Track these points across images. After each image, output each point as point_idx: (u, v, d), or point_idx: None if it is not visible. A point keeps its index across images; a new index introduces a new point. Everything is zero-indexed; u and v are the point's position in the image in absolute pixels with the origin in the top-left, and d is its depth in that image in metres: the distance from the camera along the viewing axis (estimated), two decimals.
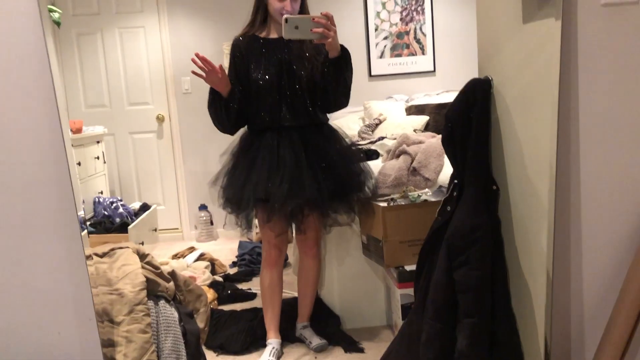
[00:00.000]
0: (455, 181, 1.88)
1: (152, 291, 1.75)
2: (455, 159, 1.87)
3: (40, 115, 1.31)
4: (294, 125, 2.23)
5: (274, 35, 2.27)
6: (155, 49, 4.56)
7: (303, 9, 2.24)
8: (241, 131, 2.39)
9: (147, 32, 4.55)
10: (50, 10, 2.46)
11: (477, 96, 1.83)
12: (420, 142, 2.80)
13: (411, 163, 2.65)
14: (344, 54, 2.13)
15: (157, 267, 1.90)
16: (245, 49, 2.24)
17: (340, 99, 2.26)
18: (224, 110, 2.19)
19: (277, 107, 2.22)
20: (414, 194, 2.43)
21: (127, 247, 1.83)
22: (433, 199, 2.34)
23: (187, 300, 2.09)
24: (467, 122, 1.82)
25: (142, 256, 1.85)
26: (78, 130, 3.50)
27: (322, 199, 2.17)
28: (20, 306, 1.31)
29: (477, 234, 1.74)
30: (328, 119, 2.39)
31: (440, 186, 2.47)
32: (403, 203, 2.34)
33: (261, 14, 2.26)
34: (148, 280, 1.72)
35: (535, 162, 1.60)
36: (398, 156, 2.77)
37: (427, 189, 2.53)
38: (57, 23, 2.47)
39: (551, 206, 1.49)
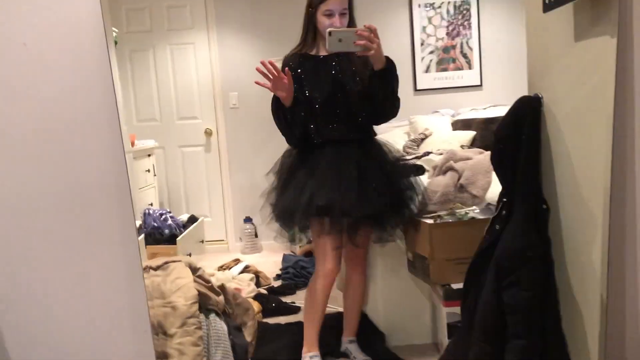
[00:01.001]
0: (505, 199, 1.86)
1: (204, 304, 1.79)
2: (505, 178, 1.85)
3: (104, 129, 1.37)
4: (348, 139, 2.26)
5: (323, 52, 2.30)
6: (204, 65, 4.68)
7: (351, 26, 2.25)
8: (284, 148, 2.41)
9: (196, 48, 4.67)
10: None
11: (527, 114, 1.81)
12: (468, 159, 2.78)
13: (458, 180, 2.62)
14: (389, 64, 2.15)
15: (208, 281, 1.95)
16: (296, 67, 2.27)
17: (389, 110, 2.28)
18: (288, 119, 2.20)
19: (331, 122, 2.26)
20: (461, 211, 2.41)
21: (180, 261, 1.88)
22: (481, 217, 2.32)
23: (235, 313, 2.12)
24: (517, 141, 1.80)
25: (194, 270, 1.90)
26: (131, 144, 3.61)
27: (384, 213, 2.20)
28: (79, 318, 1.36)
29: (528, 254, 1.71)
30: (376, 134, 2.41)
31: (489, 204, 2.44)
32: (450, 220, 2.32)
33: (311, 32, 2.28)
34: (200, 293, 1.76)
35: (587, 181, 1.57)
36: (445, 172, 2.75)
37: (474, 207, 2.51)
38: (114, 42, 2.58)
39: (605, 227, 1.45)
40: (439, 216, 2.38)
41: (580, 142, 1.61)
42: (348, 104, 2.25)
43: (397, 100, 2.27)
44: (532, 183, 1.80)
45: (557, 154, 1.77)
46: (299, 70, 2.27)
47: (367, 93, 2.21)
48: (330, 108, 2.25)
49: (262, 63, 2.02)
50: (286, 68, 2.12)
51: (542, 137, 1.83)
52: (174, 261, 1.88)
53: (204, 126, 4.75)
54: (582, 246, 1.63)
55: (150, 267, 1.81)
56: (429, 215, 2.43)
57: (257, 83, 2.07)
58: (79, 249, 1.33)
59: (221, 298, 1.96)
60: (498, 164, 1.86)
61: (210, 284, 1.94)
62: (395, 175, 2.33)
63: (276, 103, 2.20)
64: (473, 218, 2.31)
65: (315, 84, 2.26)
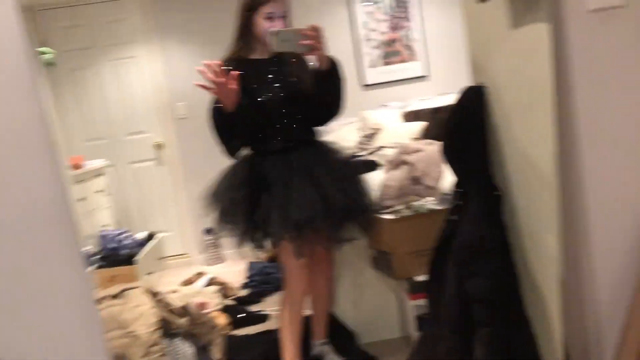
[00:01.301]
0: (459, 189, 1.88)
1: (167, 329, 1.75)
2: (457, 168, 1.87)
3: (36, 156, 1.29)
4: (297, 144, 2.21)
5: (263, 55, 2.23)
6: (148, 78, 4.58)
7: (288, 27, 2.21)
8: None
9: (139, 61, 4.57)
10: (43, 53, 2.49)
11: (474, 104, 1.83)
12: (419, 150, 2.80)
13: (412, 172, 2.65)
14: (334, 64, 2.12)
15: (169, 304, 1.90)
16: (237, 70, 2.16)
17: (334, 110, 2.25)
18: (229, 125, 2.09)
19: (276, 128, 2.20)
20: (418, 203, 2.42)
21: (139, 287, 1.82)
22: (438, 207, 2.34)
23: (201, 332, 2.09)
24: (466, 131, 1.83)
25: (154, 294, 1.85)
26: (79, 166, 3.51)
27: (342, 216, 2.15)
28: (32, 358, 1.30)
29: (485, 243, 1.74)
30: (322, 135, 2.38)
31: (444, 194, 2.47)
32: (409, 214, 2.34)
33: (248, 35, 2.20)
34: (161, 318, 1.72)
35: (537, 165, 1.60)
36: (398, 166, 2.77)
37: (430, 197, 2.53)
38: (50, 63, 2.49)
39: (558, 208, 1.48)
40: (397, 210, 2.39)
41: (527, 127, 1.64)
42: (294, 107, 2.20)
43: (342, 99, 2.22)
44: (484, 172, 1.83)
45: (505, 141, 1.80)
46: (242, 75, 2.16)
47: (312, 95, 2.17)
48: (276, 112, 2.19)
49: (207, 65, 1.90)
50: (233, 71, 1.97)
51: (490, 125, 1.86)
52: (132, 287, 1.82)
53: (153, 140, 4.66)
54: (537, 228, 1.66)
55: (108, 296, 1.75)
56: (387, 211, 2.44)
57: (198, 85, 1.94)
58: (23, 287, 1.26)
59: (185, 320, 1.92)
60: (449, 156, 1.88)
61: (172, 307, 1.89)
62: (347, 175, 2.29)
63: (216, 109, 2.08)
64: (431, 209, 2.33)
65: (258, 88, 2.18)
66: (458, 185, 1.89)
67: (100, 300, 1.53)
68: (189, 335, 1.96)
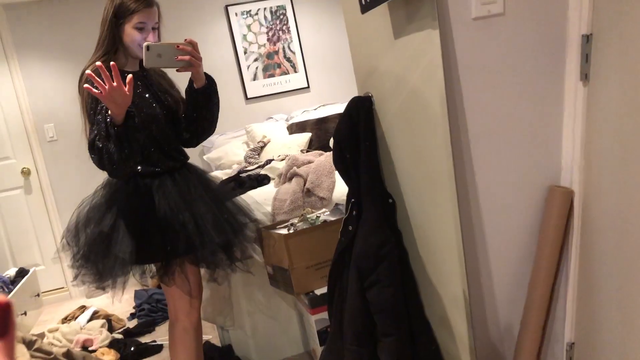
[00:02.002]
0: (353, 200, 1.87)
1: None
2: (349, 178, 1.86)
3: None
4: (170, 168, 2.00)
5: (132, 68, 1.99)
6: (9, 98, 4.18)
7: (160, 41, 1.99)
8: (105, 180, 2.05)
9: None
10: None
11: (361, 113, 1.84)
12: (310, 162, 2.79)
13: (304, 184, 2.62)
14: (210, 82, 1.98)
15: (49, 353, 1.69)
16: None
17: (207, 129, 2.08)
18: (128, 139, 1.72)
19: (148, 148, 1.96)
20: (312, 215, 2.40)
21: None
22: (332, 218, 2.33)
23: None
24: (355, 141, 1.83)
25: (30, 343, 1.64)
26: None
27: (209, 251, 1.97)
28: None
29: (383, 251, 1.74)
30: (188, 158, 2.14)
31: (337, 204, 2.47)
32: (303, 227, 2.30)
33: (114, 45, 1.94)
34: None
35: (427, 169, 1.62)
36: (290, 179, 2.73)
37: (324, 209, 2.52)
38: None
39: (454, 207, 1.51)
40: (291, 224, 2.35)
41: (413, 133, 1.67)
42: (160, 126, 1.98)
43: (216, 118, 2.07)
44: (375, 180, 1.84)
45: (394, 148, 1.82)
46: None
47: (185, 113, 2.03)
48: (140, 133, 1.81)
49: (100, 67, 1.59)
50: (130, 75, 1.66)
51: (378, 134, 1.87)
52: None
53: (19, 166, 4.25)
54: (431, 231, 1.69)
55: None
56: (281, 226, 2.39)
57: (86, 88, 1.64)
58: None
59: None
60: (341, 165, 1.87)
61: (52, 356, 1.69)
62: (221, 198, 2.14)
63: (108, 125, 1.70)
64: (325, 221, 2.31)
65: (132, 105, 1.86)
66: (351, 195, 1.88)
67: None
68: None
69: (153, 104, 1.97)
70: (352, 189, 1.87)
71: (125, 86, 1.63)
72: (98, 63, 1.62)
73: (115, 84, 1.60)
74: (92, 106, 1.83)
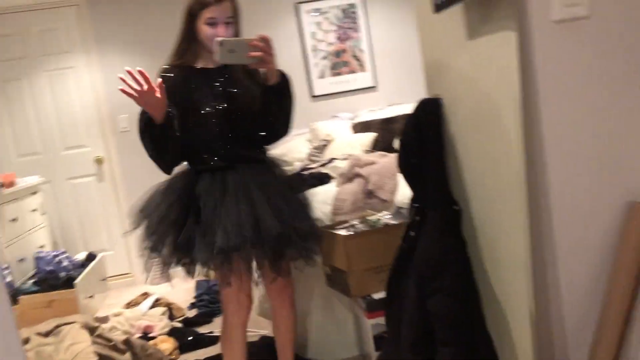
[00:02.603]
0: (416, 205, 1.82)
1: None
2: (414, 183, 1.81)
3: None
4: (242, 162, 2.03)
5: (209, 65, 2.04)
6: (87, 89, 4.37)
7: (237, 37, 2.01)
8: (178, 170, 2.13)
9: (76, 72, 4.35)
10: None
11: (429, 116, 1.78)
12: (373, 163, 2.75)
13: (366, 186, 2.59)
14: (285, 79, 1.95)
15: (109, 340, 1.75)
16: (182, 81, 2.01)
17: (282, 129, 2.07)
18: (163, 138, 1.91)
19: (217, 144, 2.01)
20: (373, 217, 2.36)
21: (74, 322, 1.66)
22: (394, 222, 2.28)
23: None
24: (422, 144, 1.77)
25: (92, 330, 1.69)
26: (10, 184, 3.27)
27: (288, 240, 1.97)
28: None
29: (446, 259, 1.68)
30: (270, 152, 2.19)
31: (399, 207, 2.41)
32: (364, 229, 2.27)
33: (190, 42, 2.01)
34: (101, 357, 1.56)
35: (497, 177, 1.55)
36: (351, 179, 2.70)
37: (385, 211, 2.47)
38: None
39: (525, 219, 1.43)
40: (352, 226, 2.32)
41: (484, 138, 1.60)
42: (239, 122, 2.02)
43: (291, 118, 2.06)
44: (441, 185, 1.78)
45: (463, 153, 1.76)
46: (186, 85, 2.00)
47: (259, 110, 1.99)
48: (219, 127, 2.00)
49: (129, 72, 1.74)
50: (159, 80, 1.81)
51: (446, 138, 1.81)
52: (67, 323, 1.65)
53: (93, 154, 4.44)
54: (498, 242, 1.61)
55: (39, 334, 1.58)
56: (341, 227, 2.36)
57: (121, 91, 1.75)
58: None
59: (127, 356, 1.77)
60: (405, 169, 1.82)
61: (112, 343, 1.74)
62: (293, 194, 2.13)
63: (145, 121, 1.89)
64: (387, 224, 2.27)
65: (201, 100, 2.00)
66: (415, 199, 1.83)
67: (28, 339, 1.37)
68: None
69: (216, 102, 1.99)
70: (416, 193, 1.82)
71: (156, 91, 1.75)
72: (127, 68, 1.76)
73: (146, 88, 1.73)
74: None
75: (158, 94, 1.77)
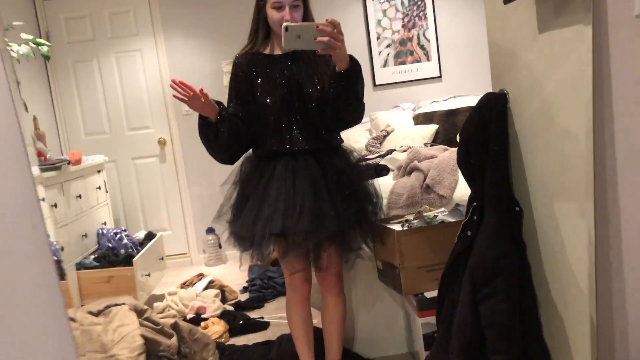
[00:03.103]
0: (475, 204, 1.75)
1: (153, 351, 1.61)
2: (473, 181, 1.73)
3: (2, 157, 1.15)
4: (307, 150, 2.02)
5: (278, 51, 2.06)
6: (153, 72, 4.46)
7: (307, 20, 2.01)
8: (243, 157, 2.20)
9: (143, 55, 4.45)
10: (39, 44, 2.38)
11: (493, 112, 1.69)
12: (432, 157, 2.67)
13: (424, 180, 2.51)
14: (354, 64, 1.89)
15: (157, 323, 1.77)
16: (248, 68, 2.05)
17: (353, 115, 2.02)
18: (215, 137, 2.02)
19: (287, 130, 2.03)
20: (429, 214, 2.29)
21: (124, 304, 1.69)
22: (451, 219, 2.20)
23: (193, 351, 1.95)
24: (484, 141, 1.69)
25: (140, 312, 1.72)
26: (77, 162, 3.39)
27: (345, 232, 1.99)
28: None
29: (502, 263, 1.60)
30: (342, 140, 2.17)
31: (457, 204, 2.33)
32: (419, 225, 2.20)
33: (262, 29, 2.04)
34: (147, 340, 1.58)
35: (563, 180, 1.46)
36: (410, 173, 2.64)
37: (442, 208, 2.40)
38: (46, 57, 2.37)
39: (590, 223, 1.34)
40: (406, 221, 2.26)
41: (552, 137, 1.50)
42: (306, 109, 2.02)
43: (362, 104, 2.00)
44: (502, 185, 1.69)
45: (527, 152, 1.66)
46: (252, 72, 2.04)
47: (328, 97, 1.96)
48: (284, 114, 2.02)
49: (172, 82, 1.88)
50: (201, 87, 1.91)
51: (510, 135, 1.72)
52: (116, 304, 1.69)
53: (157, 136, 4.54)
54: (559, 248, 1.52)
55: (91, 313, 1.62)
56: (395, 221, 2.31)
57: (174, 97, 1.92)
58: None
59: (174, 340, 1.79)
60: (465, 166, 1.74)
61: (160, 327, 1.76)
62: (360, 186, 2.11)
63: (201, 122, 2.02)
64: (443, 222, 2.19)
65: (268, 87, 2.02)
66: (474, 198, 1.75)
67: (81, 317, 1.40)
68: (180, 355, 1.83)
69: (282, 90, 2.01)
70: (475, 192, 1.74)
71: (201, 97, 1.87)
72: (172, 79, 1.88)
73: (191, 94, 1.87)
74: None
75: (202, 100, 1.89)
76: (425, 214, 2.30)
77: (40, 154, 3.16)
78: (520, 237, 1.72)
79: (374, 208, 2.14)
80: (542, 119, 1.55)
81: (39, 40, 2.38)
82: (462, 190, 2.45)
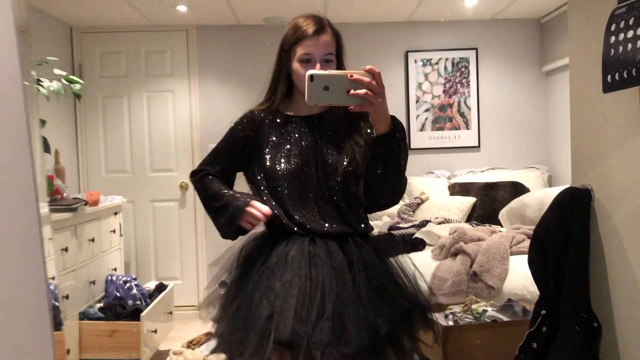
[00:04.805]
0: (544, 312, 1.52)
1: None
2: (546, 286, 1.51)
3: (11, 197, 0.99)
4: (327, 233, 1.56)
5: (300, 112, 1.65)
6: (182, 114, 4.33)
7: None
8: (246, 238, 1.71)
9: (175, 96, 4.33)
10: (71, 81, 2.24)
11: (575, 210, 1.49)
12: (480, 240, 2.45)
13: (470, 266, 2.28)
14: (396, 127, 1.49)
15: None
16: (259, 126, 1.66)
17: (391, 194, 1.59)
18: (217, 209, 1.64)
19: (302, 207, 1.58)
20: (477, 307, 2.05)
21: None
22: (503, 318, 1.96)
23: None
24: (563, 242, 1.47)
25: None
26: (95, 203, 3.21)
27: (377, 346, 1.43)
28: None
29: None
30: (372, 228, 1.69)
31: (510, 299, 2.09)
32: (467, 320, 1.96)
33: (283, 84, 1.64)
34: None
35: None
36: (455, 255, 2.41)
37: (491, 301, 2.16)
38: (77, 95, 2.22)
39: None
40: (452, 314, 2.02)
41: None
42: (327, 184, 1.59)
43: (404, 180, 1.59)
44: (583, 296, 1.47)
45: (612, 260, 1.44)
46: (261, 132, 1.65)
47: (360, 170, 1.58)
48: (301, 187, 1.58)
49: (260, 213, 1.53)
50: (269, 210, 1.55)
51: (592, 238, 1.50)
52: None
53: (179, 180, 4.37)
54: None
55: None
56: (438, 312, 2.06)
57: (244, 222, 1.56)
58: None
59: None
60: (539, 268, 1.52)
61: None
62: (399, 284, 1.58)
63: (198, 182, 1.69)
64: (495, 320, 1.95)
65: (282, 153, 1.61)
66: (544, 306, 1.52)
67: None
68: None
69: (297, 160, 1.59)
70: (546, 298, 1.52)
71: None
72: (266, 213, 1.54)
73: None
74: None
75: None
76: (473, 306, 2.06)
77: (57, 191, 2.98)
78: (597, 357, 1.48)
79: (424, 315, 1.58)
80: (635, 226, 1.34)
81: (72, 77, 2.25)
82: (513, 283, 2.22)
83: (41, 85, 2.06)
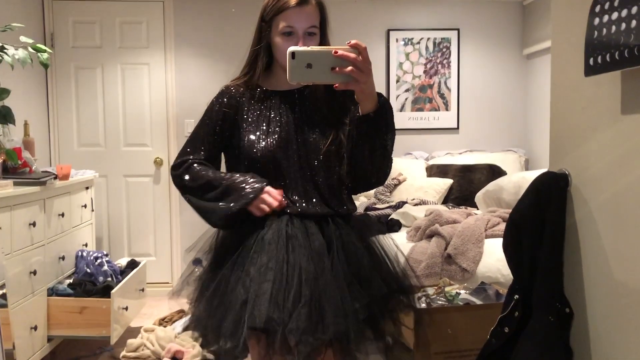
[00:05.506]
0: (517, 296, 1.51)
1: None
2: (520, 271, 1.50)
3: None
4: (307, 214, 1.51)
5: (280, 87, 1.58)
6: (158, 88, 4.23)
7: None
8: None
9: (151, 69, 4.23)
10: (38, 50, 2.14)
11: (553, 195, 1.47)
12: (455, 222, 2.44)
13: (445, 248, 2.27)
14: (384, 106, 1.44)
15: None
16: (237, 103, 1.57)
17: (377, 174, 1.55)
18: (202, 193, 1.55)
19: (281, 187, 1.52)
20: (450, 290, 2.04)
21: None
22: (476, 301, 1.96)
23: None
24: (539, 228, 1.46)
25: None
26: (65, 177, 3.12)
27: (353, 333, 1.39)
28: None
29: None
30: (355, 208, 1.66)
31: (482, 282, 2.09)
32: (440, 302, 1.95)
33: (263, 59, 1.56)
34: None
35: (631, 285, 1.23)
36: (430, 237, 2.40)
37: (465, 284, 2.15)
38: (45, 65, 2.12)
39: None
40: (425, 296, 2.01)
41: (621, 235, 1.28)
42: (309, 164, 1.53)
43: (390, 161, 1.55)
44: (556, 282, 1.46)
45: (586, 246, 1.43)
46: (238, 109, 1.57)
47: (344, 149, 1.52)
48: (279, 168, 1.52)
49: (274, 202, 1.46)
50: (284, 201, 1.48)
51: (567, 223, 1.49)
52: None
53: (153, 155, 4.29)
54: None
55: None
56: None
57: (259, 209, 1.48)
58: None
59: None
60: (513, 252, 1.51)
61: None
62: (381, 266, 1.55)
63: (179, 172, 1.57)
64: (468, 303, 1.95)
65: (260, 130, 1.53)
66: (517, 290, 1.51)
67: None
68: None
69: (276, 138, 1.53)
70: (519, 283, 1.50)
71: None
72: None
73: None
74: None
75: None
76: (446, 288, 2.05)
77: (25, 164, 2.89)
78: (568, 344, 1.48)
79: (407, 299, 1.59)
80: (613, 214, 1.33)
81: (38, 45, 2.15)
82: (487, 266, 2.22)
83: (5, 53, 1.97)
